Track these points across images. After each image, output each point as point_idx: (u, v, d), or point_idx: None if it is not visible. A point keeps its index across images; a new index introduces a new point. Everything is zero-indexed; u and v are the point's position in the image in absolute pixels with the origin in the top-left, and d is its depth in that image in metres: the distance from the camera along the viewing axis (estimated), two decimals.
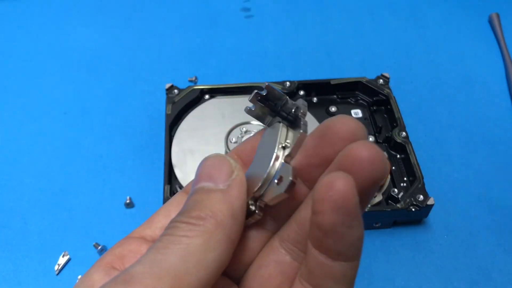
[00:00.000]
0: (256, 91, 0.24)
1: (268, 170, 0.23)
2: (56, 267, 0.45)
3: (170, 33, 0.67)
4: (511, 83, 0.61)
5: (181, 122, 0.53)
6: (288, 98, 0.24)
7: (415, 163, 0.48)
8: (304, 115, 0.24)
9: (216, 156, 0.23)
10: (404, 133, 0.51)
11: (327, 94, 0.56)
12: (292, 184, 0.21)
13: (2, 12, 0.70)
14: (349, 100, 0.56)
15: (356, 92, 0.56)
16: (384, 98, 0.54)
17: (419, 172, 0.48)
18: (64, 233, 0.48)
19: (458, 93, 0.61)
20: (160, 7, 0.71)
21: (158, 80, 0.61)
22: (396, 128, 0.51)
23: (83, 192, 0.51)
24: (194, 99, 0.54)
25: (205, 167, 0.23)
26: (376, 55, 0.65)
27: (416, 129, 0.56)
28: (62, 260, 0.46)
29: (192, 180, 0.24)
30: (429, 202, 0.45)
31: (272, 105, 0.24)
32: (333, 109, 0.55)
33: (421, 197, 0.46)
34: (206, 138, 0.51)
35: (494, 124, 0.58)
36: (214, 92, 0.55)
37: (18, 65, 0.63)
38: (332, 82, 0.56)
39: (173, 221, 0.21)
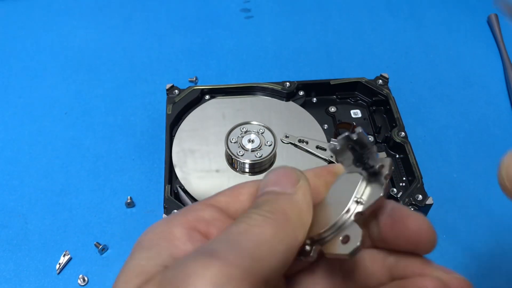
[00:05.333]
0: (347, 133, 0.23)
1: (335, 220, 0.23)
2: (57, 266, 0.46)
3: (170, 33, 0.68)
4: (509, 83, 0.61)
5: (181, 122, 0.53)
6: (376, 151, 0.24)
7: (414, 163, 0.49)
8: (388, 177, 0.24)
9: (282, 166, 0.25)
10: (403, 133, 0.51)
11: (326, 94, 0.57)
12: (357, 249, 0.22)
13: (2, 12, 0.70)
14: (348, 100, 0.57)
15: (356, 93, 0.57)
16: (383, 98, 0.55)
17: (418, 172, 0.48)
18: (65, 233, 0.48)
19: (457, 94, 0.61)
20: (160, 7, 0.71)
21: (159, 80, 0.61)
22: (395, 128, 0.52)
23: (83, 192, 0.51)
24: (195, 99, 0.54)
25: (273, 175, 0.25)
26: (375, 55, 0.65)
27: (415, 129, 0.56)
28: (63, 260, 0.46)
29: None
30: (428, 202, 0.46)
31: (358, 153, 0.24)
32: (332, 109, 0.55)
33: (420, 196, 0.46)
34: (206, 138, 0.51)
35: (492, 124, 0.58)
36: (214, 92, 0.55)
37: (18, 65, 0.63)
38: (331, 82, 0.56)
39: (248, 211, 0.23)
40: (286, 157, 0.50)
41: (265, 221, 0.22)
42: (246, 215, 0.22)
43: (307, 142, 0.50)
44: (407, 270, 0.24)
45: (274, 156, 0.49)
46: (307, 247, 0.24)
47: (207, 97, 0.55)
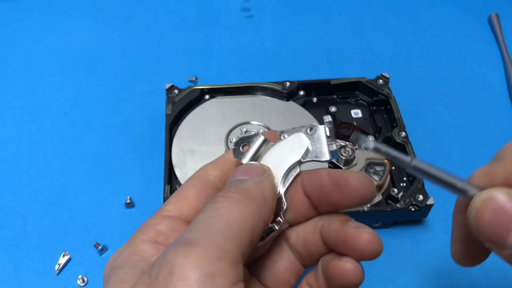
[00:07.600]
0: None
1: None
2: (56, 267, 0.45)
3: (170, 33, 0.67)
4: (510, 83, 0.61)
5: (181, 122, 0.53)
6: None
7: None
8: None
9: (249, 163, 0.28)
10: (403, 133, 0.51)
11: (327, 94, 0.56)
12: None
13: (2, 12, 0.70)
14: (349, 100, 0.56)
15: (356, 92, 0.56)
16: (384, 98, 0.54)
17: None
18: (64, 233, 0.48)
19: (458, 93, 0.61)
20: (160, 7, 0.71)
21: (158, 80, 0.61)
22: (395, 128, 0.51)
23: (83, 192, 0.51)
24: (194, 99, 0.54)
25: (240, 168, 0.27)
26: (376, 55, 0.65)
27: (416, 129, 0.56)
28: (62, 260, 0.46)
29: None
30: (428, 202, 0.45)
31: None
32: (333, 109, 0.55)
33: (421, 197, 0.46)
34: (206, 138, 0.51)
35: (493, 124, 0.58)
36: (214, 92, 0.55)
37: (18, 65, 0.63)
38: (332, 82, 0.56)
39: (214, 196, 0.24)
40: None
41: (230, 201, 0.23)
42: (213, 200, 0.24)
43: None
44: (332, 229, 0.26)
45: None
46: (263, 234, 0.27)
47: (206, 97, 0.55)
